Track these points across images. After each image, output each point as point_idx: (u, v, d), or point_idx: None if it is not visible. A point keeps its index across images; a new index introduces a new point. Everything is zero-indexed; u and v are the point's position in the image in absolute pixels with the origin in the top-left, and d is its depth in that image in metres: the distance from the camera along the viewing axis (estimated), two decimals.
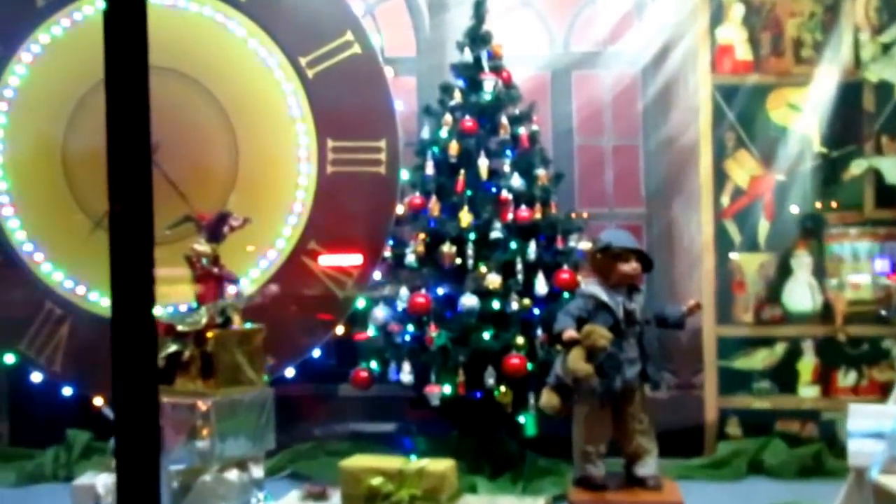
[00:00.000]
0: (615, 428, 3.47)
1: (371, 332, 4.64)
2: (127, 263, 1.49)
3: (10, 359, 5.13)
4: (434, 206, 4.43)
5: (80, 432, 5.11)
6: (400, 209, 4.95)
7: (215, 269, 3.92)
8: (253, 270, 5.01)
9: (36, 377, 5.13)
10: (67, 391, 5.12)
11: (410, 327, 4.43)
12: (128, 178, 1.52)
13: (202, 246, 3.95)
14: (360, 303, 4.97)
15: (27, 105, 5.06)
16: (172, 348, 3.75)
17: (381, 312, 4.49)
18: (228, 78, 5.02)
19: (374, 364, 4.51)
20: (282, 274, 4.99)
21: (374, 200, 4.95)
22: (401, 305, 4.42)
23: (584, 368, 3.26)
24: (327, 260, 4.97)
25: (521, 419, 4.38)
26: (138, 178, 1.53)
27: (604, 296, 3.46)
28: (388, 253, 4.71)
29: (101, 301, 5.08)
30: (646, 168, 5.34)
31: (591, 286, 3.55)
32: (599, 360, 3.31)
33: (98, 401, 5.09)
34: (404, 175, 4.97)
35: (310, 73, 4.97)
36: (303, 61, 4.97)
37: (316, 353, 5.06)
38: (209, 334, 3.77)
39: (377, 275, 4.96)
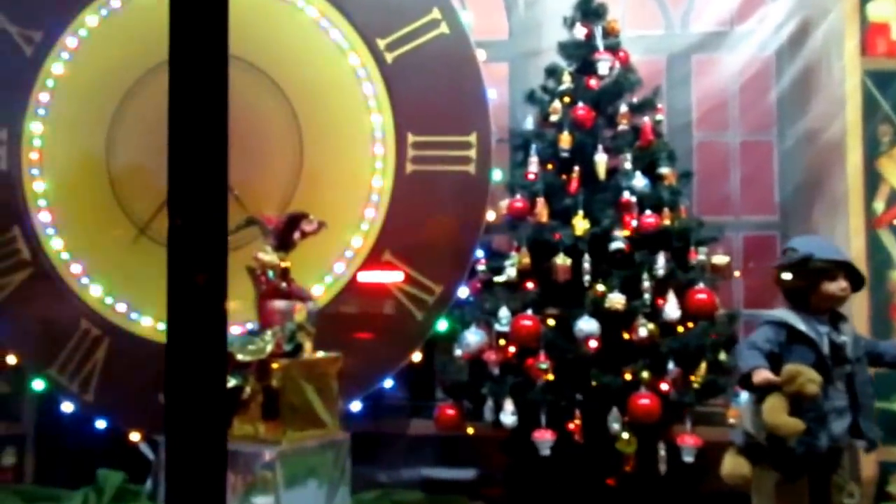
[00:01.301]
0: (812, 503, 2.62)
1: (457, 359, 3.88)
2: (189, 286, 1.25)
3: (39, 385, 4.47)
4: (542, 210, 3.65)
5: (112, 472, 4.40)
6: (491, 215, 4.20)
7: (283, 285, 3.22)
8: (316, 286, 4.29)
9: (67, 406, 4.46)
10: (101, 424, 4.44)
11: (508, 356, 3.64)
12: (195, 187, 1.27)
13: (268, 255, 3.25)
14: (442, 325, 4.22)
15: (70, 97, 4.43)
16: (231, 383, 3.02)
17: (473, 337, 3.72)
18: (294, 63, 4.34)
19: (464, 400, 3.73)
20: (350, 290, 4.26)
21: (461, 205, 4.20)
22: (499, 329, 3.64)
23: (791, 424, 2.44)
24: (404, 274, 4.22)
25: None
26: (208, 187, 1.28)
27: (801, 324, 2.65)
28: (481, 266, 3.93)
29: (142, 321, 4.40)
30: (780, 168, 4.51)
31: (781, 312, 2.74)
32: (805, 412, 2.49)
33: (135, 436, 4.40)
34: (496, 175, 4.23)
35: (389, 58, 4.26)
36: (381, 44, 4.26)
37: (387, 383, 4.31)
38: (275, 365, 3.05)
39: (463, 292, 4.20)
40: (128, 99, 4.38)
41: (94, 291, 4.43)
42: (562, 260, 3.53)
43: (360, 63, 4.28)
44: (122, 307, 4.42)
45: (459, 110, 4.19)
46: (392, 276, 4.18)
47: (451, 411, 3.74)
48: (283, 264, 3.23)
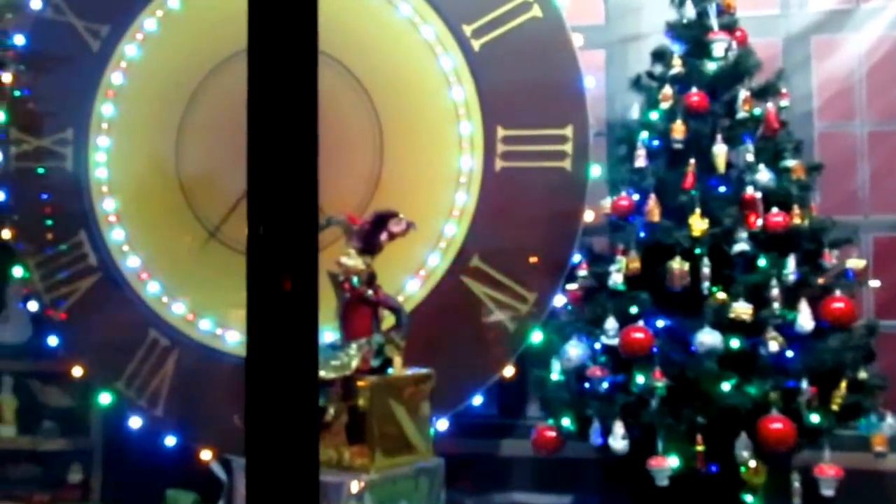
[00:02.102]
0: None
1: (556, 375, 3.50)
2: (275, 296, 1.11)
3: (106, 398, 4.25)
4: (653, 208, 3.25)
5: (182, 493, 4.19)
6: (589, 215, 3.82)
7: (370, 292, 2.89)
8: (397, 295, 3.96)
9: (135, 422, 4.23)
10: (170, 441, 4.19)
11: (616, 372, 3.25)
12: (281, 189, 1.12)
13: (352, 259, 2.93)
14: (537, 336, 3.84)
15: (138, 93, 4.21)
16: None
17: (575, 351, 3.33)
18: (372, 53, 4.03)
19: (565, 420, 3.34)
20: (435, 298, 3.91)
21: (556, 204, 3.83)
22: (606, 341, 3.25)
23: None
24: (495, 280, 3.86)
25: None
26: (297, 187, 1.13)
27: None
28: (582, 272, 3.54)
29: (214, 330, 4.14)
30: None
31: None
32: None
33: (206, 454, 4.14)
34: (595, 171, 3.84)
35: (476, 45, 3.91)
36: (467, 30, 3.92)
37: (476, 400, 3.95)
38: (361, 383, 2.71)
39: (559, 300, 3.82)
40: (199, 93, 4.14)
41: (163, 299, 4.19)
42: (678, 264, 3.12)
43: (445, 51, 3.95)
44: (192, 316, 4.17)
45: (554, 101, 3.82)
46: (482, 283, 3.82)
47: (550, 433, 3.36)
48: (370, 269, 2.91)
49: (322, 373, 2.74)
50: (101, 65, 4.21)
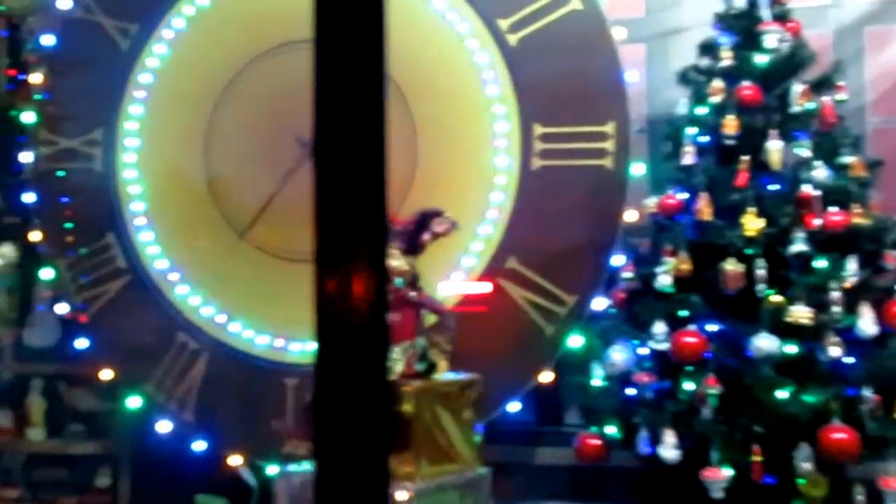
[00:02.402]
0: None
1: (598, 381, 3.36)
2: (344, 302, 1.07)
3: (135, 402, 4.17)
4: (704, 207, 3.09)
5: (212, 499, 4.09)
6: (631, 214, 3.67)
7: (412, 294, 2.78)
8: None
9: (164, 426, 4.14)
10: (199, 445, 4.10)
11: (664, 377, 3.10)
12: (350, 190, 1.10)
13: (396, 260, 2.82)
14: (575, 340, 3.71)
15: (166, 93, 4.14)
16: None
17: (620, 356, 3.18)
18: (404, 50, 3.90)
19: (610, 428, 3.20)
20: (471, 301, 3.78)
21: (596, 203, 3.69)
22: (654, 346, 3.10)
23: None
24: (532, 283, 3.73)
25: None
26: (367, 187, 1.13)
27: None
28: (627, 273, 3.40)
29: (243, 334, 4.04)
30: None
31: None
32: None
33: (235, 460, 4.04)
34: (637, 169, 3.70)
35: (512, 40, 3.79)
36: (503, 24, 3.80)
37: (513, 406, 3.82)
38: (406, 388, 2.59)
39: (598, 303, 3.68)
40: (228, 92, 4.05)
41: (192, 302, 4.10)
42: (733, 265, 2.96)
43: (480, 47, 3.83)
44: (221, 319, 4.08)
45: (594, 97, 3.69)
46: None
47: (594, 441, 3.22)
48: (413, 270, 2.80)
49: None
50: (129, 64, 4.14)
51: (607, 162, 3.69)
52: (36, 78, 4.28)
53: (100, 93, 4.17)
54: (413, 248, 2.86)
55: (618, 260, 3.68)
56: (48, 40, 4.27)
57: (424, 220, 2.87)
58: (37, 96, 4.25)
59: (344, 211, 1.09)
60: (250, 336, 4.04)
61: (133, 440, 4.50)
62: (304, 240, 4.05)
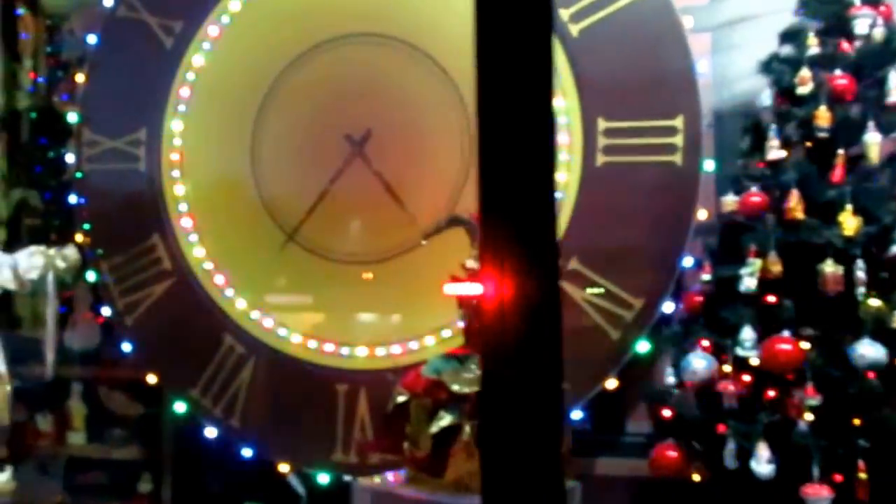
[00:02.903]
0: None
1: (672, 389, 3.18)
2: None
3: (180, 407, 4.06)
4: (796, 205, 2.89)
5: None
6: (702, 213, 3.49)
7: None
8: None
9: (210, 432, 4.02)
10: (247, 452, 3.98)
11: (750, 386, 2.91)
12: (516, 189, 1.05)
13: (479, 263, 2.66)
14: (642, 346, 3.54)
15: (212, 91, 4.01)
16: (445, 421, 2.44)
17: (700, 363, 3.00)
18: (459, 42, 3.74)
19: (691, 440, 3.02)
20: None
21: (665, 201, 3.51)
22: (742, 353, 2.92)
23: None
24: (596, 285, 3.56)
25: None
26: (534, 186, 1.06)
27: None
28: (705, 275, 3.22)
29: (291, 338, 3.91)
30: None
31: None
32: None
33: (283, 468, 3.92)
34: (708, 165, 3.52)
35: (574, 31, 3.62)
36: (564, 14, 3.62)
37: (575, 414, 3.65)
38: None
39: (667, 307, 3.51)
40: (275, 88, 3.92)
41: (239, 304, 3.98)
42: (832, 267, 2.76)
43: None
44: (269, 322, 3.95)
45: (662, 89, 3.50)
46: (582, 288, 3.54)
47: (673, 453, 3.04)
48: None
49: (455, 387, 2.49)
50: (174, 62, 4.02)
51: (676, 158, 3.51)
52: (79, 77, 4.19)
53: (144, 92, 4.06)
54: None
55: (688, 261, 3.51)
56: (90, 39, 4.18)
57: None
58: (81, 95, 4.15)
59: (511, 209, 0.99)
60: (299, 340, 3.91)
61: (176, 445, 4.41)
62: (353, 240, 3.93)
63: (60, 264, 3.26)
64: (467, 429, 2.40)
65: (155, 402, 4.37)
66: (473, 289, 3.54)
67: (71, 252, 3.25)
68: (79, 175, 4.17)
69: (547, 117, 1.02)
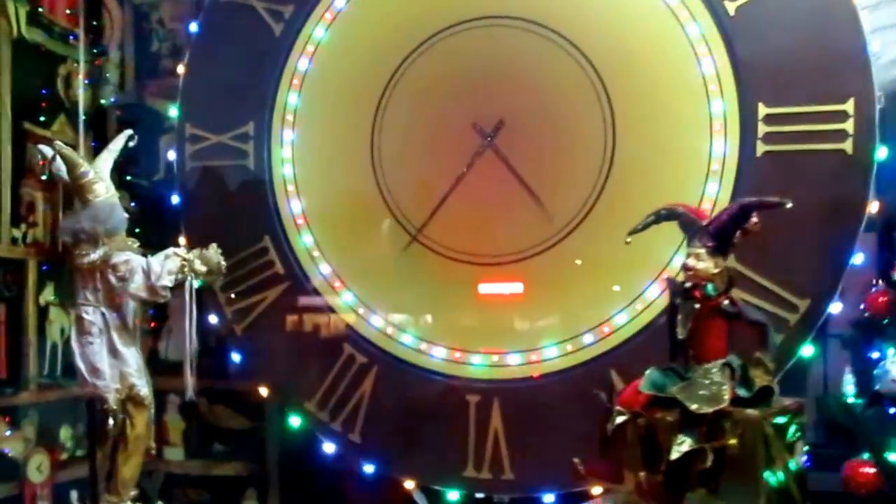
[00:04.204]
0: None
1: (853, 398, 2.91)
2: None
3: (296, 421, 3.81)
4: None
5: None
6: (874, 206, 3.21)
7: (725, 302, 2.37)
8: (635, 303, 3.42)
9: (328, 448, 3.78)
10: (368, 468, 3.73)
11: None
12: None
13: (703, 262, 2.40)
14: (806, 350, 3.26)
15: (327, 81, 3.75)
16: (684, 445, 2.17)
17: None
18: (599, 23, 3.49)
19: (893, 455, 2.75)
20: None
21: (834, 192, 3.21)
22: None
23: None
24: (756, 285, 3.27)
25: None
26: None
27: None
28: None
29: (420, 346, 3.65)
30: None
31: None
32: None
33: (408, 484, 3.66)
34: (881, 153, 3.22)
35: (731, 8, 3.33)
36: None
37: None
38: (737, 418, 2.18)
39: (834, 307, 3.22)
40: (397, 78, 3.65)
41: (359, 310, 3.72)
42: None
43: (692, 18, 3.37)
44: (391, 330, 3.69)
45: (830, 71, 3.20)
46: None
47: (868, 469, 2.77)
48: (729, 273, 2.40)
49: (693, 406, 2.22)
50: (284, 50, 3.77)
51: (846, 146, 3.21)
52: (180, 69, 3.94)
53: (251, 83, 3.80)
54: (722, 246, 2.44)
55: (858, 258, 3.23)
56: (192, 27, 3.92)
57: (744, 213, 2.44)
58: (182, 87, 3.90)
59: None
60: (425, 347, 3.65)
61: (281, 461, 4.17)
62: (482, 240, 3.59)
63: (200, 268, 2.92)
64: (710, 455, 2.14)
65: (259, 415, 4.14)
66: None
67: (213, 254, 2.93)
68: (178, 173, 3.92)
69: None
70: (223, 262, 2.93)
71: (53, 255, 4.10)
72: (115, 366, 2.95)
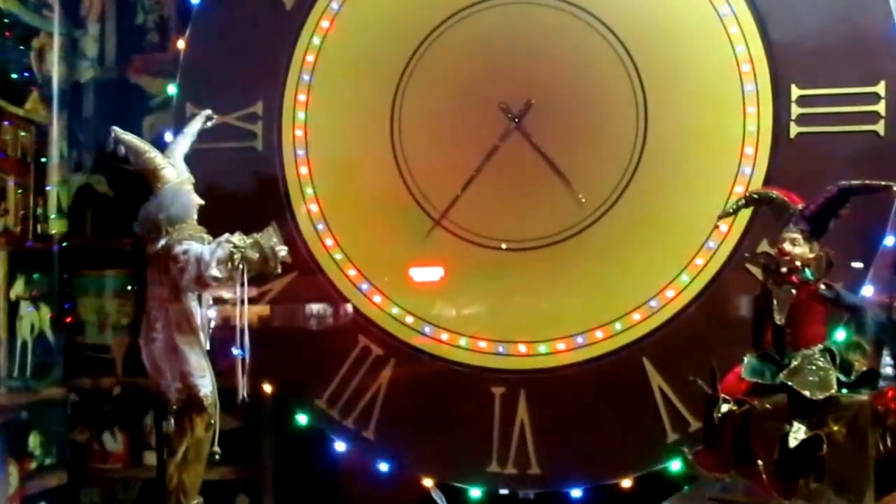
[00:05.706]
0: None
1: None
2: None
3: (302, 420, 3.57)
4: None
5: None
6: None
7: (823, 287, 2.30)
8: (667, 289, 3.33)
9: (339, 447, 3.55)
10: (383, 467, 3.52)
11: None
12: None
13: (800, 247, 2.32)
14: (839, 335, 3.22)
15: (342, 58, 3.56)
16: (799, 433, 2.07)
17: None
18: (635, 4, 3.42)
19: None
20: (714, 291, 3.29)
21: (865, 175, 3.12)
22: None
23: None
24: None
25: None
26: None
27: None
28: None
29: (438, 335, 3.47)
30: None
31: None
32: None
33: (426, 482, 3.47)
34: None
35: None
36: None
37: None
38: (846, 405, 2.09)
39: (865, 290, 3.21)
40: (417, 56, 3.49)
41: (376, 300, 3.52)
42: None
43: None
44: (410, 320, 3.51)
45: (862, 52, 3.21)
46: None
47: None
48: (828, 258, 2.34)
49: (806, 392, 2.12)
50: (296, 24, 3.56)
51: (879, 127, 3.22)
52: (179, 44, 3.68)
53: (259, 59, 3.57)
54: (819, 230, 2.37)
55: (889, 241, 3.23)
56: None
57: (842, 197, 2.38)
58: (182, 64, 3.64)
59: None
60: (447, 337, 3.47)
61: (276, 463, 3.92)
62: (508, 224, 3.42)
63: (252, 255, 2.58)
64: (825, 444, 2.04)
65: (252, 414, 3.87)
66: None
67: (269, 240, 2.60)
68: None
69: None
70: (279, 249, 2.61)
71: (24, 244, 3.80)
72: (177, 365, 2.67)
